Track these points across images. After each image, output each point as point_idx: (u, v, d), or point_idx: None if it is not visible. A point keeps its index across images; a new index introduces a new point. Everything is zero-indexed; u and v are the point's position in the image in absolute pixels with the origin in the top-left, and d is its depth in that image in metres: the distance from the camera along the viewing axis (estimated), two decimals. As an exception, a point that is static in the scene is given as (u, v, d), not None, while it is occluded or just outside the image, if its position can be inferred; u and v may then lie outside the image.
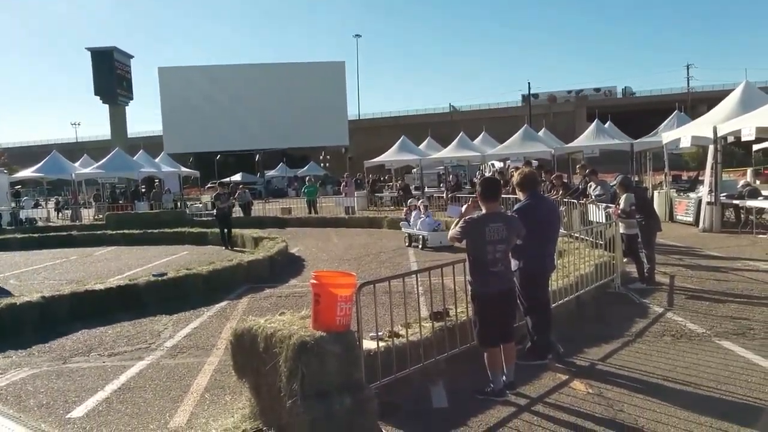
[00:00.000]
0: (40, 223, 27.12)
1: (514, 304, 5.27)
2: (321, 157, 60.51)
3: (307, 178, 32.75)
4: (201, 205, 31.94)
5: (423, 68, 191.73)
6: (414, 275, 5.98)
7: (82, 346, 7.19)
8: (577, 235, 9.42)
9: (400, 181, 33.88)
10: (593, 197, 12.64)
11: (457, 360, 5.31)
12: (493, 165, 29.69)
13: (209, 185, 43.57)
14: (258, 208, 28.20)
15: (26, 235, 20.54)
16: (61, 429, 4.72)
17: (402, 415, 4.53)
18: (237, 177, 54.82)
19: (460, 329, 5.40)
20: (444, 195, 25.67)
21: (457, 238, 4.93)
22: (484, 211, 4.95)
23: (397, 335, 5.09)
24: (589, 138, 25.93)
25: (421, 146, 33.59)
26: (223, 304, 9.17)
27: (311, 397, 3.85)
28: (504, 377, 4.95)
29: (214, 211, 16.99)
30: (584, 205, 12.88)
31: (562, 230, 7.74)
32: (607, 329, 6.73)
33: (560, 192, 14.53)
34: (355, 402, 3.92)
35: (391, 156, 32.08)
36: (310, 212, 26.46)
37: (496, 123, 52.55)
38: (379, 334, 4.96)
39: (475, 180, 28.29)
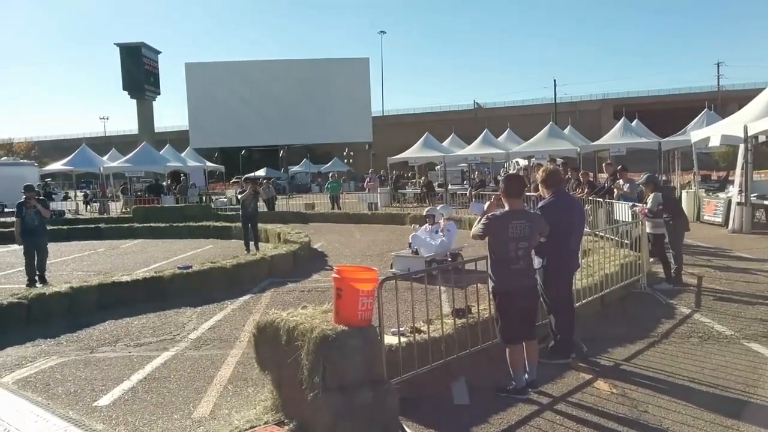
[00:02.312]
0: (69, 216, 27.63)
1: (536, 302, 5.23)
2: (344, 153, 60.68)
3: (330, 174, 32.87)
4: (225, 200, 32.27)
5: (447, 65, 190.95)
6: (436, 271, 5.98)
7: (109, 336, 7.31)
8: (602, 234, 9.30)
9: (423, 178, 33.79)
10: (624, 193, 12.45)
11: (479, 357, 5.29)
12: (517, 163, 29.49)
13: (233, 180, 43.97)
14: (281, 204, 28.42)
15: (56, 227, 20.92)
16: (89, 417, 4.80)
17: (423, 411, 4.53)
18: (261, 172, 55.26)
19: (482, 326, 5.37)
20: (467, 192, 25.54)
21: (479, 235, 4.90)
22: (507, 208, 4.92)
23: (419, 331, 5.08)
24: (616, 136, 25.59)
25: (445, 143, 33.48)
26: (246, 297, 9.26)
27: (333, 390, 3.87)
28: (526, 375, 4.92)
29: (240, 211, 15.10)
30: (610, 204, 12.71)
31: (586, 229, 7.66)
32: (633, 329, 6.64)
33: (585, 190, 14.36)
34: (376, 396, 3.93)
35: (414, 153, 32.03)
36: (333, 208, 26.57)
37: (521, 120, 52.11)
38: (401, 329, 4.96)
39: (499, 177, 28.13)
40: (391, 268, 10.50)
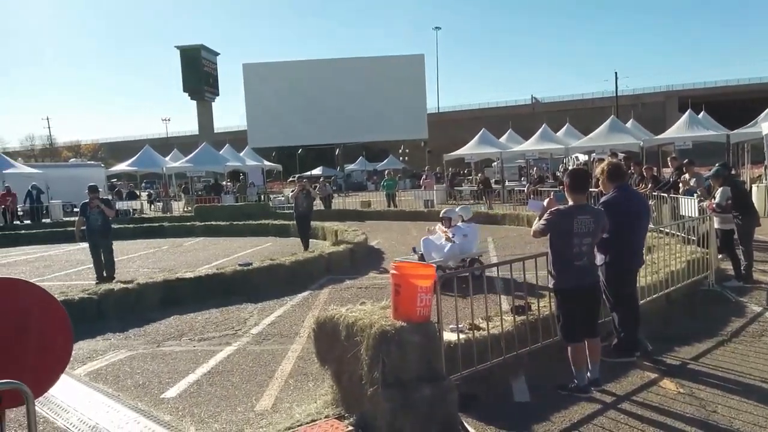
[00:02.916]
0: (134, 215, 28.72)
1: (599, 299, 5.09)
2: (400, 151, 60.70)
3: (386, 172, 32.96)
4: (283, 198, 32.84)
5: (504, 60, 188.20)
6: (495, 268, 5.91)
7: (174, 331, 7.56)
8: (668, 230, 8.98)
9: (480, 175, 33.46)
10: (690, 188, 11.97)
11: (539, 355, 5.19)
12: (577, 158, 28.80)
13: (291, 179, 44.75)
14: (338, 202, 28.68)
15: (122, 226, 21.80)
16: (156, 408, 4.98)
17: (482, 408, 4.48)
18: (317, 171, 56.00)
19: (542, 324, 5.28)
20: (525, 189, 25.12)
21: (541, 231, 4.79)
22: (571, 203, 4.80)
23: (478, 328, 5.04)
24: (681, 129, 24.63)
25: (502, 139, 33.03)
26: (305, 294, 9.39)
27: (392, 385, 3.87)
28: (588, 374, 4.80)
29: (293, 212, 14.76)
30: (675, 199, 12.25)
31: (651, 225, 7.40)
32: (700, 328, 6.37)
33: (649, 185, 13.88)
34: (436, 392, 3.92)
35: (470, 149, 31.73)
36: (389, 205, 26.63)
37: (581, 114, 50.95)
38: (460, 326, 4.93)
39: (558, 173, 27.57)
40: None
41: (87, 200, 11.07)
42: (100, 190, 11.36)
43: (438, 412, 3.95)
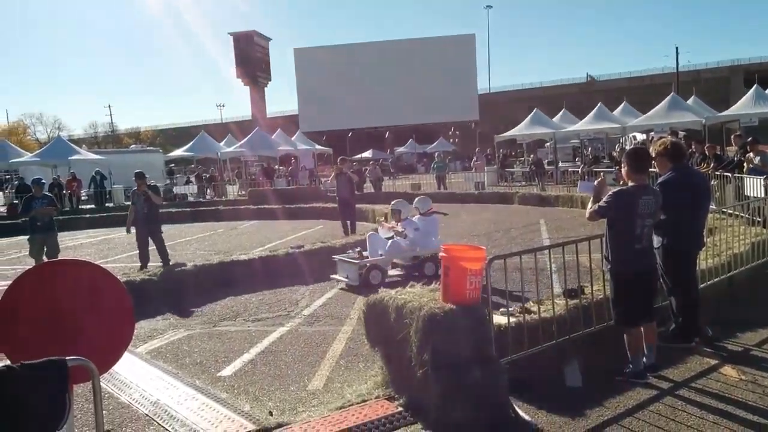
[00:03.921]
0: (190, 199, 29.55)
1: (656, 283, 4.94)
2: (450, 133, 60.18)
3: (436, 154, 32.76)
4: (328, 182, 33.04)
5: (557, 37, 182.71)
6: (547, 251, 5.81)
7: (229, 312, 7.78)
8: (731, 211, 8.61)
9: (532, 156, 32.86)
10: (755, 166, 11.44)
11: (592, 339, 5.09)
12: (634, 137, 27.89)
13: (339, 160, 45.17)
14: (388, 184, 28.73)
15: (179, 210, 22.51)
16: (213, 386, 5.15)
17: (534, 392, 4.44)
18: (367, 154, 56.13)
19: (596, 307, 5.17)
20: (579, 170, 24.53)
21: (600, 212, 4.65)
22: (631, 183, 4.66)
23: (529, 311, 4.97)
24: (747, 105, 23.47)
25: (555, 119, 32.29)
26: (355, 276, 9.47)
27: (441, 368, 3.88)
28: (645, 359, 4.69)
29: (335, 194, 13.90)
30: (739, 179, 11.73)
31: (712, 206, 7.12)
32: (764, 313, 6.11)
33: (712, 164, 13.33)
34: (486, 375, 3.90)
35: (522, 130, 31.16)
36: (439, 188, 26.47)
37: (638, 92, 49.20)
38: (510, 309, 4.88)
39: (614, 153, 26.79)
40: (335, 274, 9.03)
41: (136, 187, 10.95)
42: (147, 176, 11.20)
43: (488, 395, 3.94)
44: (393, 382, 4.52)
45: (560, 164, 30.11)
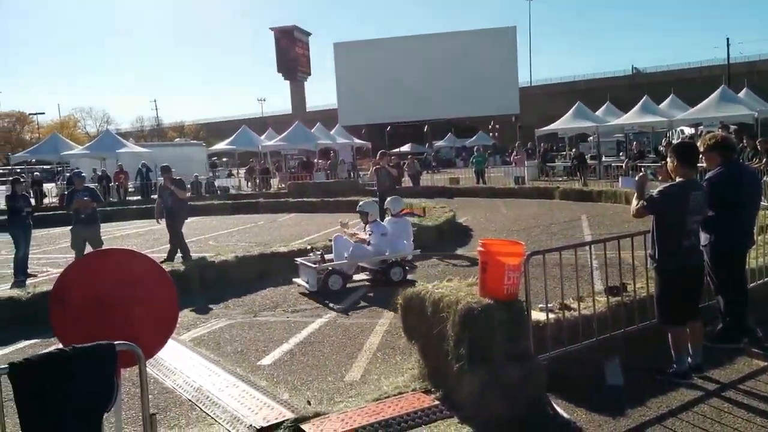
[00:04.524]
0: (232, 191, 30.05)
1: (702, 281, 4.82)
2: (490, 127, 59.58)
3: (475, 148, 32.52)
4: (367, 176, 33.14)
5: (602, 28, 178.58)
6: (588, 247, 5.73)
7: (269, 302, 7.91)
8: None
9: (574, 150, 32.32)
10: None
11: (634, 338, 5.00)
12: (682, 131, 27.14)
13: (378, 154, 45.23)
14: (426, 178, 28.66)
15: (221, 202, 22.95)
16: (253, 374, 5.26)
17: (573, 390, 4.38)
18: (406, 148, 56.04)
19: (638, 305, 5.07)
20: (624, 165, 24.00)
21: (648, 208, 4.53)
22: (679, 179, 4.54)
23: (568, 308, 4.91)
24: (803, 98, 22.55)
25: (599, 112, 31.62)
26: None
27: (478, 362, 3.88)
28: (689, 359, 4.58)
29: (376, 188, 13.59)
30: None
31: (764, 203, 6.89)
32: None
33: (764, 159, 12.89)
34: (523, 371, 3.89)
35: (564, 123, 30.63)
36: (478, 182, 26.31)
37: (686, 85, 47.73)
38: (549, 306, 4.83)
39: (660, 148, 26.11)
40: (297, 278, 8.57)
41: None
42: (173, 170, 11.13)
43: (525, 391, 3.92)
44: (430, 376, 4.53)
45: (603, 159, 29.49)
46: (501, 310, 3.96)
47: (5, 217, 10.96)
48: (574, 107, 30.88)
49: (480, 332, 3.90)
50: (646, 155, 25.85)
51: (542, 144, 33.76)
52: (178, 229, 10.72)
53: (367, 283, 8.55)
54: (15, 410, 2.51)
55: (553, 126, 31.32)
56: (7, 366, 2.48)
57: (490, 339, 3.90)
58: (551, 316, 4.68)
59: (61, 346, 2.91)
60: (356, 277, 8.68)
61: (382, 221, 12.14)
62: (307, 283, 8.21)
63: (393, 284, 7.86)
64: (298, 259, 8.68)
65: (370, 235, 8.61)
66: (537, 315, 4.64)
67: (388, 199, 9.46)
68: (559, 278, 5.11)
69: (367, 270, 8.78)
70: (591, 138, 33.81)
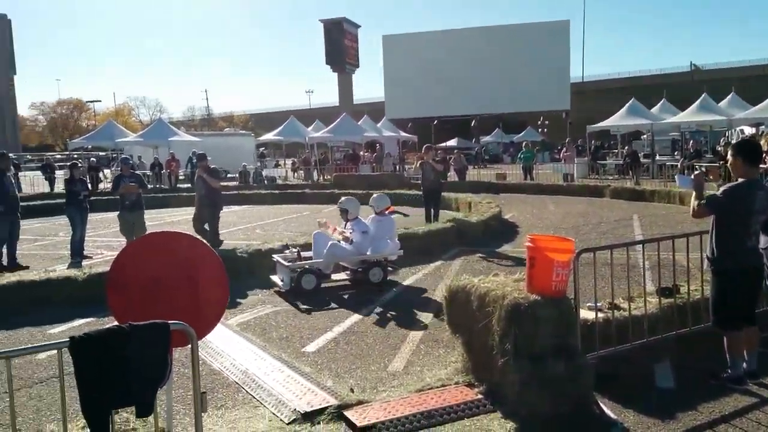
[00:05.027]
0: (279, 182, 30.47)
1: (761, 284, 4.64)
2: (539, 122, 58.69)
3: (523, 144, 32.06)
4: (411, 170, 33.09)
5: (659, 23, 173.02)
6: (640, 246, 5.59)
7: (314, 290, 7.98)
8: None
9: (627, 148, 31.50)
10: None
11: (686, 340, 4.86)
12: (742, 131, 26.11)
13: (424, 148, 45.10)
14: (473, 174, 28.43)
15: (268, 192, 23.30)
16: (297, 360, 5.33)
17: (621, 390, 4.29)
18: (452, 142, 55.76)
19: (691, 308, 4.92)
20: (679, 164, 23.25)
21: (710, 207, 4.37)
22: (742, 178, 4.38)
23: (618, 308, 4.81)
24: None
25: (654, 110, 30.71)
26: (437, 263, 9.48)
27: (524, 358, 3.84)
28: (745, 364, 4.42)
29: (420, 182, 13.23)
30: None
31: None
32: None
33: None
34: (570, 369, 3.83)
35: (617, 120, 29.85)
36: (525, 178, 25.94)
37: (748, 82, 45.93)
38: (598, 304, 4.74)
39: (718, 148, 25.19)
40: (275, 275, 8.25)
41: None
42: (208, 158, 11.09)
43: (572, 389, 3.86)
44: (473, 370, 4.51)
45: (657, 157, 28.65)
46: (548, 307, 3.90)
47: (64, 200, 11.38)
48: (628, 104, 30.08)
49: (526, 328, 3.85)
50: (703, 155, 24.97)
51: (593, 141, 33.02)
52: (210, 219, 10.72)
53: (347, 283, 8.21)
54: (74, 382, 2.61)
55: (605, 123, 30.59)
56: (68, 340, 2.58)
57: (537, 335, 3.86)
58: (600, 315, 4.59)
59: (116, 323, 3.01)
60: (336, 276, 8.27)
61: (432, 221, 12.21)
62: (282, 281, 7.88)
63: (372, 286, 7.79)
64: (276, 256, 8.29)
65: (351, 233, 8.22)
66: (585, 313, 4.56)
67: (373, 196, 8.97)
68: (608, 277, 5.01)
69: (348, 270, 8.33)
70: (645, 136, 32.91)
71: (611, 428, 3.80)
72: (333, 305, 7.27)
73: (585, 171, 26.89)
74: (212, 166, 11.13)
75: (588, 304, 4.81)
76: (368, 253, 8.20)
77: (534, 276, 4.11)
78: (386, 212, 8.73)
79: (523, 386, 3.79)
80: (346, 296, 7.74)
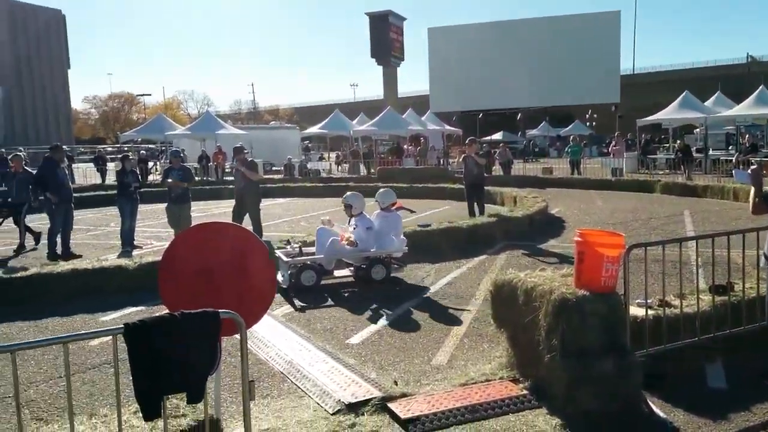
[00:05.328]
0: (323, 174, 30.72)
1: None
2: (587, 116, 57.48)
3: (571, 138, 31.45)
4: (454, 163, 32.86)
5: (714, 14, 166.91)
6: (693, 242, 5.42)
7: (355, 283, 8.02)
8: None
9: (678, 142, 30.58)
10: None
11: (740, 340, 4.69)
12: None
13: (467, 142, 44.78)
14: (518, 168, 28.06)
15: (312, 185, 23.53)
16: (342, 351, 5.38)
17: (671, 389, 4.19)
18: (497, 136, 55.10)
19: (746, 307, 4.74)
20: (733, 159, 22.42)
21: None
22: None
23: (669, 305, 4.68)
24: None
25: (708, 102, 29.71)
26: (481, 257, 9.42)
27: (571, 354, 3.78)
28: (803, 367, 4.26)
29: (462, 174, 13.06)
30: None
31: None
32: None
33: None
34: (618, 366, 3.75)
35: (669, 113, 28.97)
36: (572, 173, 25.44)
37: (809, 74, 43.87)
38: (648, 301, 4.62)
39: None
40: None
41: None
42: (246, 151, 11.08)
43: (620, 387, 3.79)
44: (518, 365, 4.47)
45: (711, 152, 27.72)
46: (597, 302, 3.83)
47: (115, 191, 11.74)
48: (680, 96, 29.16)
49: (574, 323, 3.79)
50: (760, 149, 24.02)
51: (643, 135, 32.14)
52: (251, 210, 10.74)
53: (351, 280, 8.05)
54: (127, 368, 2.70)
55: (656, 116, 29.73)
56: (123, 327, 2.67)
57: (585, 331, 3.79)
58: (651, 312, 4.48)
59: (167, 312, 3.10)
60: (338, 273, 8.07)
61: (477, 215, 12.06)
62: (282, 277, 7.63)
63: (375, 283, 7.64)
64: (277, 251, 8.15)
65: (354, 229, 8.04)
66: (635, 310, 4.46)
67: (379, 191, 8.79)
68: (658, 274, 4.89)
69: (351, 266, 8.14)
70: (698, 130, 31.86)
71: (660, 428, 3.71)
72: (330, 302, 7.19)
73: (635, 165, 26.22)
74: (249, 159, 11.22)
75: (637, 301, 4.70)
76: (373, 249, 7.96)
77: (583, 271, 4.04)
78: (392, 208, 8.53)
79: (570, 383, 3.74)
80: (346, 294, 7.55)
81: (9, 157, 14.77)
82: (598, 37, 50.38)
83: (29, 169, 11.52)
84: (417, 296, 7.28)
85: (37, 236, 11.44)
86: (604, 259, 3.92)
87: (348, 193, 8.71)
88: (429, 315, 6.48)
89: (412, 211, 9.54)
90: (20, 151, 33.03)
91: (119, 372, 2.84)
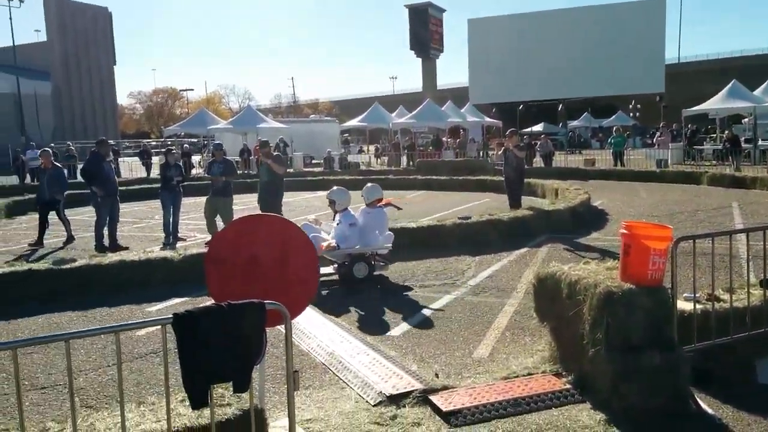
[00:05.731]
0: (362, 167, 30.80)
1: None
2: (630, 106, 56.10)
3: (614, 129, 30.77)
4: (493, 155, 32.53)
5: (763, 1, 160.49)
6: (743, 234, 5.26)
7: (398, 277, 8.04)
8: None
9: (726, 132, 29.59)
10: None
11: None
12: None
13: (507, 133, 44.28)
14: (560, 159, 27.63)
15: (352, 177, 23.62)
16: (383, 344, 5.41)
17: (719, 385, 4.08)
18: (538, 127, 54.31)
19: (800, 301, 4.58)
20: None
21: None
22: None
23: (718, 299, 4.55)
24: None
25: (757, 92, 28.59)
26: (522, 250, 9.33)
27: (616, 348, 3.73)
28: None
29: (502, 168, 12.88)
30: None
31: None
32: None
33: None
34: (665, 361, 3.68)
35: (716, 103, 28.04)
36: (615, 165, 24.93)
37: None
38: (696, 295, 4.50)
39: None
40: None
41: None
42: (271, 144, 10.93)
43: (667, 382, 3.71)
44: (561, 359, 4.42)
45: (760, 142, 26.75)
46: (644, 296, 3.76)
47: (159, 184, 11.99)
48: (728, 85, 28.18)
49: (620, 317, 3.73)
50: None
51: (689, 125, 31.23)
52: (273, 204, 10.60)
53: (335, 277, 7.84)
54: (175, 357, 2.77)
55: (703, 106, 28.80)
56: (171, 317, 2.74)
57: (631, 325, 3.73)
58: (699, 306, 4.36)
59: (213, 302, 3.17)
60: (323, 270, 7.33)
61: (517, 208, 11.87)
62: None
63: (357, 281, 7.47)
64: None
65: (338, 224, 7.85)
66: (683, 304, 4.36)
67: (366, 186, 8.51)
68: (705, 267, 4.77)
69: (335, 264, 7.91)
70: (746, 120, 30.77)
71: (708, 424, 3.63)
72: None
73: (680, 157, 25.55)
74: (275, 153, 11.33)
75: (685, 295, 4.60)
76: (357, 246, 7.73)
77: (629, 264, 3.97)
78: (378, 204, 8.24)
79: (615, 377, 3.68)
80: (325, 292, 7.28)
81: (38, 153, 15.00)
82: (641, 26, 49.04)
83: (59, 165, 11.71)
84: (458, 289, 7.25)
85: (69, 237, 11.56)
86: (651, 252, 3.84)
87: (333, 188, 8.43)
88: (470, 308, 6.46)
89: (399, 208, 9.35)
90: (70, 145, 33.95)
91: (168, 361, 2.92)
